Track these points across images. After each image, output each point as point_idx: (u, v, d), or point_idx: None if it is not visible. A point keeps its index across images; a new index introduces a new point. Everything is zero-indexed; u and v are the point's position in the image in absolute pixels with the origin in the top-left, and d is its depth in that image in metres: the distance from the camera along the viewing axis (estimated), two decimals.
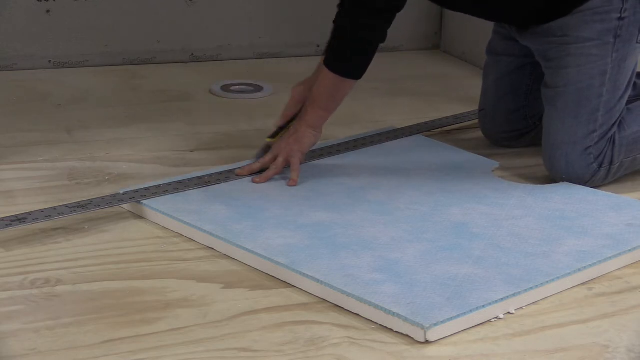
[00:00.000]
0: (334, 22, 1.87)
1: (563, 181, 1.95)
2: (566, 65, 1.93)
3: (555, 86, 1.95)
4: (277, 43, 2.95)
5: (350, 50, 1.86)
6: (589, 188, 1.93)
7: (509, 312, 1.47)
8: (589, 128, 1.92)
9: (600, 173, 1.94)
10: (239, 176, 1.90)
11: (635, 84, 2.07)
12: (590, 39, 1.90)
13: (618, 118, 1.95)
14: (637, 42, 1.93)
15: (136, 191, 1.81)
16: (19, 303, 1.46)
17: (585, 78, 1.91)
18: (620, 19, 1.90)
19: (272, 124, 2.01)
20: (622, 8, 1.89)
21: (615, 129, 1.95)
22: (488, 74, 2.19)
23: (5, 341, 1.35)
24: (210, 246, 1.66)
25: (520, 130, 2.17)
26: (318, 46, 2.88)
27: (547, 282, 1.53)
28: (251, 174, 1.90)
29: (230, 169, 1.94)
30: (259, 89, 2.61)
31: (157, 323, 1.42)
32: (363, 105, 2.45)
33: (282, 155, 1.90)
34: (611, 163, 1.95)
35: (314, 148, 1.98)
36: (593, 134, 1.93)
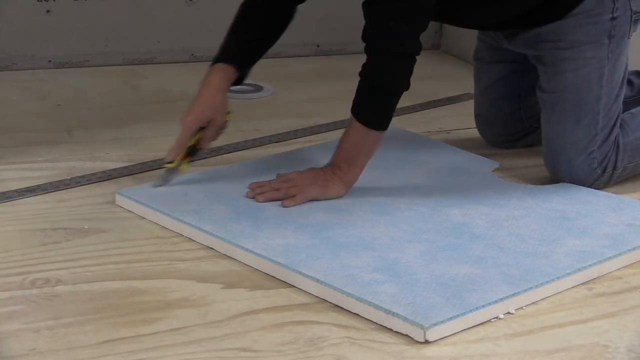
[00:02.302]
0: (361, 74, 1.79)
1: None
2: (563, 70, 1.92)
3: (553, 91, 1.94)
4: (277, 43, 2.95)
5: (389, 105, 1.79)
6: (589, 188, 1.92)
7: (509, 312, 1.47)
8: (591, 132, 1.92)
9: (603, 178, 1.94)
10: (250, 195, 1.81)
11: (632, 82, 2.07)
12: (586, 42, 1.89)
13: (617, 119, 1.94)
14: (628, 38, 1.93)
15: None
16: (19, 303, 1.45)
17: (584, 82, 1.90)
18: (613, 18, 1.89)
19: None
20: (613, 8, 1.88)
21: (616, 131, 1.94)
22: (479, 80, 2.18)
23: (5, 341, 1.35)
24: (210, 246, 1.66)
25: (518, 133, 2.17)
26: (318, 46, 2.89)
27: (547, 282, 1.53)
28: (271, 200, 1.79)
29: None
30: (259, 89, 2.61)
31: (157, 323, 1.41)
32: None
33: (298, 190, 1.79)
34: (614, 168, 1.94)
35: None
36: (595, 137, 1.92)
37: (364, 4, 1.76)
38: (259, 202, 1.78)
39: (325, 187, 1.80)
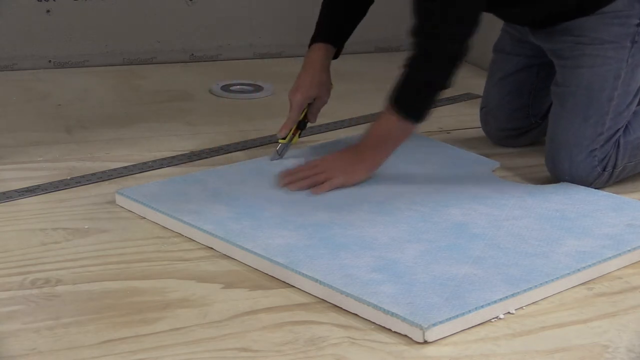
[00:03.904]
0: (405, 67, 1.80)
1: (564, 181, 1.95)
2: (580, 65, 1.92)
3: (567, 85, 1.94)
4: (277, 43, 2.95)
5: (428, 100, 1.82)
6: (589, 188, 1.92)
7: (509, 312, 1.47)
8: (597, 130, 1.91)
9: (603, 176, 1.94)
10: (283, 184, 1.86)
11: None
12: (608, 41, 1.89)
13: (625, 123, 1.94)
14: None
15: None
16: (19, 303, 1.46)
17: (599, 80, 1.90)
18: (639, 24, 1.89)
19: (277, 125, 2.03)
20: None
21: (620, 133, 1.94)
22: (494, 71, 2.18)
23: (5, 341, 1.35)
24: (210, 246, 1.66)
25: (521, 128, 2.17)
26: None
27: (547, 282, 1.53)
28: (301, 189, 1.84)
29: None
30: (259, 89, 2.61)
31: (157, 323, 1.42)
32: (364, 105, 2.45)
33: (325, 177, 1.84)
34: (614, 167, 1.94)
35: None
36: (600, 136, 1.92)
37: (415, 1, 1.77)
38: (292, 190, 1.83)
39: (352, 172, 1.85)
